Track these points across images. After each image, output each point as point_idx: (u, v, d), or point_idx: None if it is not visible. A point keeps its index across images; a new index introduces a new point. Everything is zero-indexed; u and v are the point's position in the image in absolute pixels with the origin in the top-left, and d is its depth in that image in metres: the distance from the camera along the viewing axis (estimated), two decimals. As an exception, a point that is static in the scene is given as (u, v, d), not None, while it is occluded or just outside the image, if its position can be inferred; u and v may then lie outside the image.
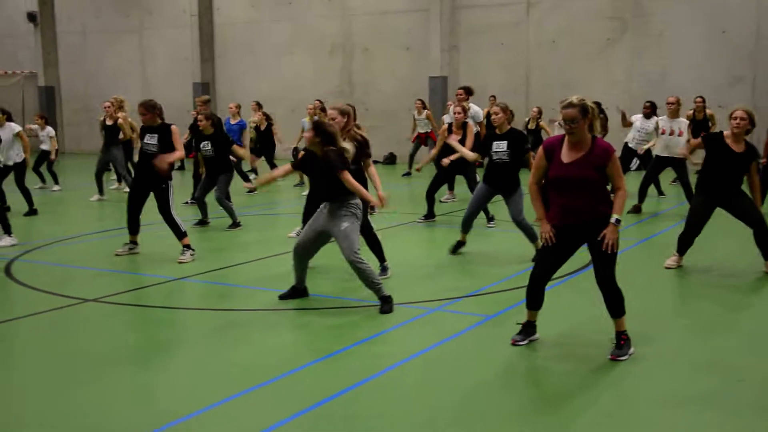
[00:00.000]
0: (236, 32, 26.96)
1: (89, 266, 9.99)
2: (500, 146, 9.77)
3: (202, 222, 12.71)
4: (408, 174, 20.07)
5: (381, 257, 9.09)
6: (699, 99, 16.29)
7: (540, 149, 6.39)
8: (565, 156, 6.13)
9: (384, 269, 9.03)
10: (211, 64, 27.50)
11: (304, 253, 7.83)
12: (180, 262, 9.96)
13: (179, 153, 10.27)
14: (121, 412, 5.30)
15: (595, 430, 5.03)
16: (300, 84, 25.56)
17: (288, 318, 7.66)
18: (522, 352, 6.45)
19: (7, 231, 11.38)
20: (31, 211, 14.03)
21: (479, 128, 14.32)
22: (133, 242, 10.60)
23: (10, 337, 7.24)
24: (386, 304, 7.54)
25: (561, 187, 6.18)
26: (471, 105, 15.24)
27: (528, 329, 6.64)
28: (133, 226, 10.50)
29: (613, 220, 6.03)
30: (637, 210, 13.47)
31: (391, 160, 23.92)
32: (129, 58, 29.02)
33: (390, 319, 7.31)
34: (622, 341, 6.28)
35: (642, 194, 13.64)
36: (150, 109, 10.26)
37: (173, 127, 10.28)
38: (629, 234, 11.69)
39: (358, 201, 7.64)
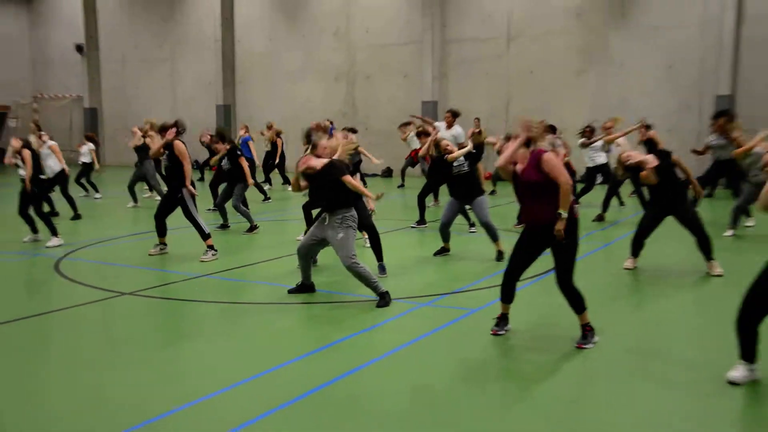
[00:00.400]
0: (255, 61, 27.02)
1: (126, 264, 10.05)
2: (460, 160, 9.98)
3: (224, 226, 12.81)
4: (402, 186, 20.13)
5: (379, 256, 9.12)
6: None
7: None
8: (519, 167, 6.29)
9: (381, 268, 9.06)
10: (232, 88, 27.55)
11: (305, 253, 7.85)
12: (202, 261, 10.02)
13: (186, 169, 10.22)
14: (153, 390, 5.36)
15: (563, 404, 5.09)
16: (310, 106, 25.60)
17: (296, 310, 7.68)
18: (498, 340, 6.50)
19: (54, 233, 11.45)
20: (76, 216, 14.14)
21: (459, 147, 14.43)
22: (163, 243, 10.66)
23: (61, 325, 7.29)
24: (383, 300, 7.54)
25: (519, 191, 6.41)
26: (455, 126, 15.40)
27: (502, 321, 6.72)
28: (161, 230, 10.54)
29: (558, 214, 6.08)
30: (600, 219, 13.49)
31: (388, 173, 23.98)
32: (161, 83, 29.09)
33: (385, 312, 7.35)
34: (586, 332, 6.34)
35: (605, 205, 13.65)
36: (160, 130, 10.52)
37: (176, 142, 10.23)
38: (594, 239, 11.75)
39: (354, 213, 7.62)
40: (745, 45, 19.33)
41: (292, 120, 24.76)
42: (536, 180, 6.12)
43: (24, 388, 5.45)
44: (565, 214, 6.01)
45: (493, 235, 9.99)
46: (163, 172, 11.72)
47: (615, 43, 20.94)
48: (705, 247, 9.01)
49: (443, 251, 10.37)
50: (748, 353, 5.37)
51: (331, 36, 25.38)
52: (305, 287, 8.07)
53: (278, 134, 19.53)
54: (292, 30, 26.12)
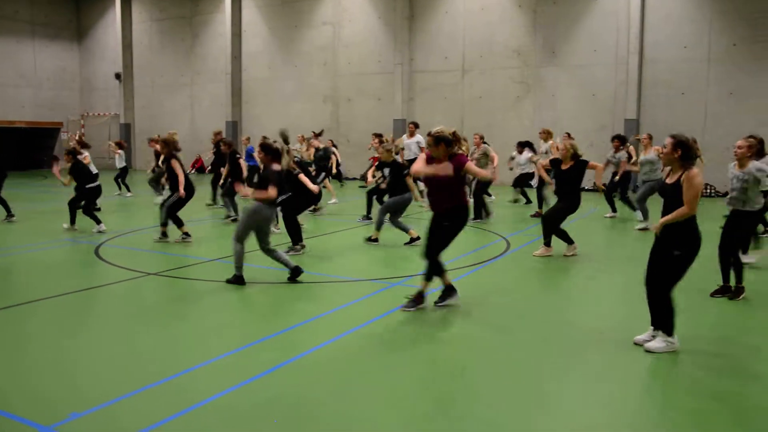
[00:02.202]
0: (257, 86, 26.80)
1: (152, 250, 9.89)
2: (385, 171, 10.37)
3: (235, 220, 12.60)
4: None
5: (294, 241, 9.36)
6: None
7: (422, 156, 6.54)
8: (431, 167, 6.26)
9: (294, 250, 9.28)
10: (239, 108, 27.31)
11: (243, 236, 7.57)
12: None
13: (180, 179, 10.10)
14: (173, 353, 5.25)
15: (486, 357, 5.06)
16: (301, 123, 25.40)
17: (288, 289, 7.51)
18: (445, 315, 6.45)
19: (98, 222, 11.29)
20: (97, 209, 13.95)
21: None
22: (186, 233, 10.41)
23: (99, 299, 7.14)
24: (296, 274, 7.47)
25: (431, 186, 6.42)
26: (417, 134, 15.69)
27: (417, 299, 6.49)
28: (178, 222, 10.34)
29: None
30: (538, 215, 13.27)
31: (364, 178, 23.83)
32: (182, 103, 28.78)
33: (351, 294, 7.22)
34: (419, 297, 6.42)
35: (540, 202, 13.64)
36: (161, 143, 10.50)
37: (173, 161, 10.16)
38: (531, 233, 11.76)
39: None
40: (646, 81, 19.54)
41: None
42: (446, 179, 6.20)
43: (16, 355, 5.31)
44: None
45: (379, 223, 10.19)
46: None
47: (548, 77, 21.00)
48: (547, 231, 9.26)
49: (373, 240, 10.23)
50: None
51: (320, 66, 25.20)
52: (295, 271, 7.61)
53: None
54: (288, 61, 25.91)
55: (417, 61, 23.18)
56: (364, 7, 24.04)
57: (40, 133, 29.98)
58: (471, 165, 6.26)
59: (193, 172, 16.37)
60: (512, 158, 14.91)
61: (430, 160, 6.33)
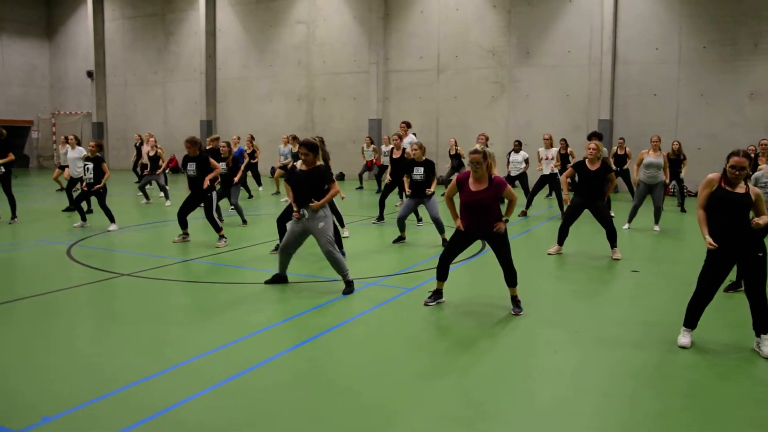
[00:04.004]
0: (232, 85, 26.55)
1: (129, 250, 9.70)
2: (418, 170, 9.88)
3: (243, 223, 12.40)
4: (360, 188, 19.92)
5: (339, 246, 8.89)
6: (563, 140, 15.91)
7: (453, 180, 6.43)
8: (473, 186, 6.21)
9: (342, 254, 8.86)
10: (214, 107, 27.03)
11: (288, 250, 7.30)
12: (217, 247, 9.82)
13: (216, 171, 10.16)
14: (154, 352, 5.13)
15: (496, 363, 5.02)
16: (276, 122, 25.31)
17: (270, 290, 7.43)
18: (434, 311, 6.41)
19: (112, 220, 11.46)
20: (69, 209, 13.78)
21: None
22: (185, 234, 10.27)
23: (62, 301, 6.97)
24: (349, 287, 7.08)
25: (469, 208, 6.26)
26: (409, 134, 14.97)
27: (437, 294, 6.65)
28: (183, 224, 10.18)
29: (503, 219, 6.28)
30: (524, 214, 13.51)
31: (341, 177, 23.77)
32: (155, 102, 28.41)
33: (339, 291, 7.14)
34: (517, 301, 6.42)
35: (528, 203, 13.76)
36: (193, 143, 10.08)
37: (211, 159, 10.20)
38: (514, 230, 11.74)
39: (328, 211, 7.14)
40: (619, 82, 19.73)
41: (262, 133, 24.55)
42: (489, 202, 6.21)
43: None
44: (508, 220, 6.34)
45: (440, 229, 9.94)
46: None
47: (522, 78, 21.09)
48: (611, 237, 9.19)
49: (400, 239, 10.30)
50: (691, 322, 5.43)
51: (295, 65, 25.04)
52: (279, 278, 7.48)
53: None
54: (262, 61, 25.70)
55: (392, 61, 23.14)
56: (338, 7, 23.94)
57: (9, 131, 29.32)
58: (510, 190, 6.35)
59: (167, 171, 16.10)
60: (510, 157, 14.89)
61: (461, 181, 6.29)
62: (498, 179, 6.26)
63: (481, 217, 6.22)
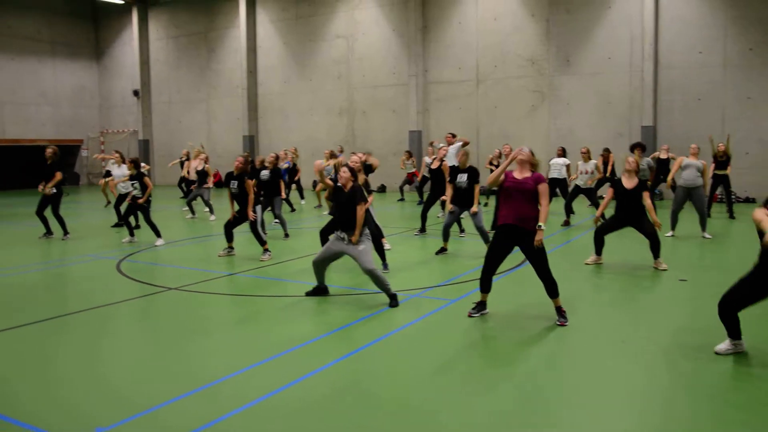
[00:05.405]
0: (273, 100, 26.91)
1: (176, 264, 9.88)
2: (462, 177, 9.89)
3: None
4: (401, 200, 19.90)
5: (382, 258, 8.96)
6: (605, 150, 15.35)
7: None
8: (517, 175, 6.36)
9: (385, 266, 8.93)
10: (256, 122, 27.42)
11: (321, 265, 7.36)
12: (261, 260, 9.93)
13: (250, 197, 10.17)
14: (200, 366, 5.21)
15: (537, 372, 4.96)
16: (317, 136, 25.54)
17: (311, 303, 7.50)
18: (478, 323, 6.37)
19: (158, 235, 11.85)
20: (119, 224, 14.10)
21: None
22: (230, 247, 10.44)
23: (114, 315, 7.14)
24: (394, 300, 7.06)
25: (510, 193, 6.31)
26: (456, 143, 14.75)
27: (480, 306, 6.61)
28: (229, 237, 10.33)
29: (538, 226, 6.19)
30: (566, 224, 13.33)
31: (382, 189, 23.84)
32: (199, 119, 28.98)
33: (382, 303, 7.15)
34: (562, 312, 6.33)
35: (567, 212, 13.58)
36: (244, 162, 10.30)
37: (248, 179, 10.21)
38: (555, 240, 11.63)
39: (367, 231, 7.17)
40: (661, 87, 19.36)
41: (303, 147, 24.72)
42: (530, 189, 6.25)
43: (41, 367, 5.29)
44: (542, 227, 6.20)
45: (485, 238, 9.92)
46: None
47: (562, 86, 20.89)
48: (654, 248, 8.95)
49: (442, 250, 10.26)
50: (733, 332, 5.34)
51: (335, 79, 25.26)
52: (320, 290, 7.58)
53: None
54: (303, 75, 26.00)
55: (431, 72, 23.17)
56: (377, 20, 24.11)
57: (61, 151, 30.20)
58: (547, 187, 6.35)
59: (212, 186, 16.33)
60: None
61: (508, 174, 6.39)
62: (539, 174, 6.36)
63: (520, 205, 6.22)
